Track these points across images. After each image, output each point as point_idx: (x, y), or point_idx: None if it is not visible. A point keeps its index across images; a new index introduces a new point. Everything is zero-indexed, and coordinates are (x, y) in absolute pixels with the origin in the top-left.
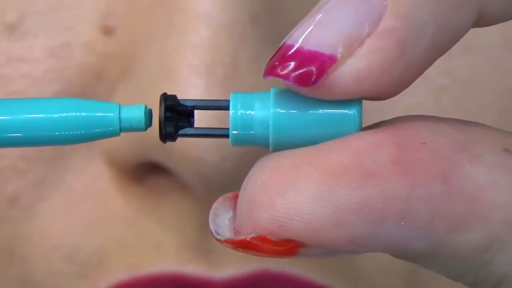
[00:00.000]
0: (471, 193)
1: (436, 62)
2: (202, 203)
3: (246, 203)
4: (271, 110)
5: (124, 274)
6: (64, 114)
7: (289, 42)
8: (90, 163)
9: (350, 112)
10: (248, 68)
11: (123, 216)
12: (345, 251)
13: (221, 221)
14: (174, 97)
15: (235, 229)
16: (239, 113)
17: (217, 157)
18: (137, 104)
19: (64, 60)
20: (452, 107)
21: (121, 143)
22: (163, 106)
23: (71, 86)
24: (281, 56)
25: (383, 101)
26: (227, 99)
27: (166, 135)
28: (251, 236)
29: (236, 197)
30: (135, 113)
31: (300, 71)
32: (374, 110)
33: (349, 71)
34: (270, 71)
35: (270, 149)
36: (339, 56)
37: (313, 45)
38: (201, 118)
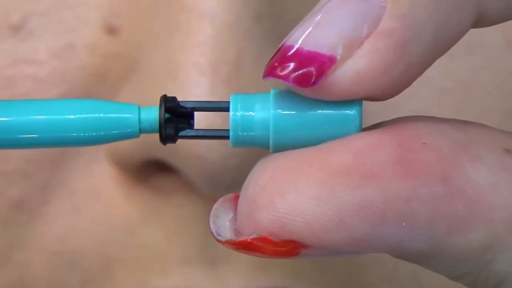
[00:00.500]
0: (471, 194)
1: (439, 64)
2: (207, 205)
3: (247, 204)
4: (271, 111)
5: None
6: (84, 115)
7: (288, 43)
8: (94, 165)
9: (350, 112)
10: (252, 67)
11: (126, 222)
12: (346, 252)
13: (222, 222)
14: (174, 98)
15: (236, 230)
16: (239, 115)
17: (222, 155)
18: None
19: (68, 61)
20: (455, 109)
21: (126, 142)
22: (163, 108)
23: (75, 87)
24: (281, 57)
25: (387, 103)
26: (227, 100)
27: (166, 137)
28: (252, 237)
29: (236, 198)
30: (155, 115)
31: (300, 72)
32: (377, 112)
33: (349, 72)
34: (270, 72)
35: (270, 150)
36: (338, 57)
37: (312, 46)
38: (201, 120)
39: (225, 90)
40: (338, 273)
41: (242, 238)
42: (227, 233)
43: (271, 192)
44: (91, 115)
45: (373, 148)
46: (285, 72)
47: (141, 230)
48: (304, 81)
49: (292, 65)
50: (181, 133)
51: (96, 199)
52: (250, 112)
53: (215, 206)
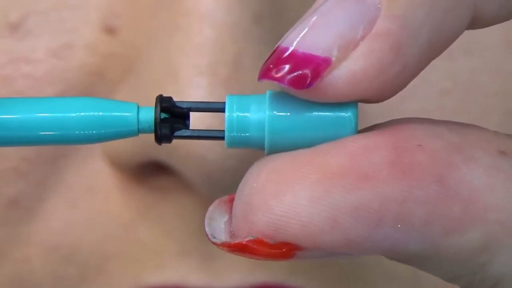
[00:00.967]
0: (466, 195)
1: (439, 65)
2: (204, 204)
3: (242, 206)
4: (267, 112)
5: (125, 283)
6: (83, 114)
7: (283, 44)
8: (91, 162)
9: (346, 114)
10: (251, 68)
11: (123, 218)
12: (341, 253)
13: (217, 224)
14: (169, 99)
15: (231, 232)
16: (234, 115)
17: (220, 155)
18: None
19: (66, 61)
20: (455, 111)
21: (123, 142)
22: (158, 108)
23: (73, 86)
24: (276, 58)
25: (386, 104)
26: (223, 101)
27: (162, 137)
28: (247, 239)
29: (231, 200)
30: (151, 114)
31: (295, 74)
32: (377, 114)
33: (344, 74)
34: (265, 74)
35: (266, 151)
36: (333, 59)
37: (307, 48)
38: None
39: (224, 91)
40: (336, 268)
41: (237, 241)
42: (222, 236)
43: (266, 194)
44: (90, 113)
45: (369, 150)
46: (280, 74)
47: (137, 226)
48: (299, 83)
49: (287, 67)
50: (177, 133)
51: (92, 195)
52: (246, 113)
53: (210, 208)
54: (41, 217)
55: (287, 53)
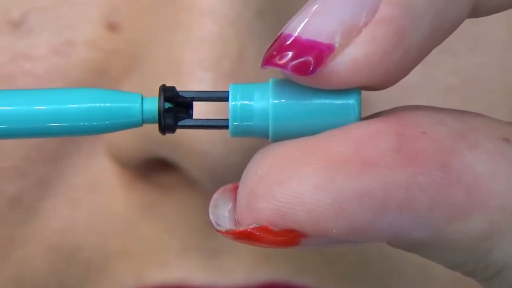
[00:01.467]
0: (470, 182)
1: (443, 61)
2: (207, 201)
3: (247, 194)
4: (270, 100)
5: (128, 281)
6: (88, 105)
7: (286, 32)
8: (93, 160)
9: (349, 101)
10: (254, 62)
11: (126, 215)
12: (346, 240)
13: (221, 212)
14: (173, 88)
15: (235, 220)
16: (238, 104)
17: (224, 151)
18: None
19: (68, 58)
20: (459, 106)
21: (127, 138)
22: (162, 98)
23: (74, 83)
24: (279, 46)
25: (391, 100)
26: (226, 90)
27: (166, 127)
28: (252, 226)
29: (236, 189)
30: (155, 104)
31: (298, 60)
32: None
33: (347, 60)
34: (268, 61)
35: (270, 139)
36: (336, 45)
37: (310, 35)
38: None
39: (227, 85)
40: (343, 266)
41: (242, 228)
42: (226, 223)
43: (271, 181)
44: (95, 105)
45: (373, 137)
46: (283, 61)
47: (140, 223)
48: (302, 69)
49: (290, 53)
50: (180, 123)
51: (95, 193)
52: (249, 102)
53: (215, 196)
54: (43, 216)
55: (290, 40)
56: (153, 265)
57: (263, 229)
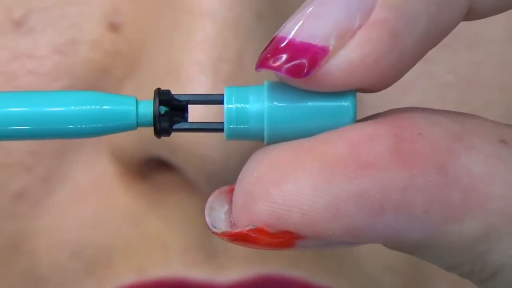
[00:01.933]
0: (467, 183)
1: (441, 58)
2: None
3: (243, 196)
4: (266, 103)
5: (130, 277)
6: (82, 107)
7: (281, 34)
8: (96, 158)
9: (344, 104)
10: (253, 65)
11: (129, 213)
12: (342, 242)
13: (217, 214)
14: (168, 92)
15: (231, 222)
16: (233, 107)
17: (222, 154)
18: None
19: (70, 57)
20: (457, 104)
21: (127, 139)
22: (157, 101)
23: (77, 82)
24: (273, 48)
25: (388, 97)
26: (221, 93)
27: (161, 130)
28: (248, 228)
29: (231, 191)
30: (150, 108)
31: (292, 63)
32: (378, 107)
33: (341, 62)
34: (262, 63)
35: (265, 142)
36: (331, 47)
37: (305, 37)
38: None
39: None
40: (336, 259)
41: (238, 230)
42: (222, 226)
43: (267, 183)
44: (89, 107)
45: (369, 139)
46: (278, 63)
47: (142, 221)
48: (297, 72)
49: (284, 56)
50: (175, 126)
51: (98, 191)
52: (244, 105)
53: (210, 199)
54: (47, 212)
55: (284, 43)
56: (154, 261)
57: (259, 230)
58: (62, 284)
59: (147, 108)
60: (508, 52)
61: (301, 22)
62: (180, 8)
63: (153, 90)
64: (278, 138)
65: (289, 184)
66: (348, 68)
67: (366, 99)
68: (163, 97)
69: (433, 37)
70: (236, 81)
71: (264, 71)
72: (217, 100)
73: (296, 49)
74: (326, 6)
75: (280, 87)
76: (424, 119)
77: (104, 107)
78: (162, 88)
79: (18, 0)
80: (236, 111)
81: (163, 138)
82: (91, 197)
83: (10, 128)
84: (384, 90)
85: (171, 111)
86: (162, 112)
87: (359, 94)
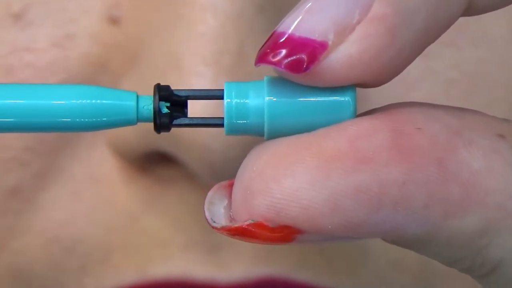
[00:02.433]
0: (466, 178)
1: (445, 55)
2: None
3: (242, 190)
4: (266, 98)
5: (129, 276)
6: (83, 101)
7: (280, 29)
8: (94, 152)
9: (344, 99)
10: (254, 57)
11: (127, 208)
12: (341, 237)
13: (217, 209)
14: (167, 87)
15: (230, 216)
16: (233, 102)
17: (223, 145)
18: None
19: (69, 50)
20: (460, 101)
21: (127, 132)
22: (157, 97)
23: (75, 76)
24: (273, 43)
25: (392, 94)
26: (221, 88)
27: (161, 126)
28: (247, 222)
29: (231, 185)
30: (150, 103)
31: (292, 58)
32: (382, 103)
33: (340, 58)
34: (262, 58)
35: (265, 137)
36: (330, 42)
37: (304, 32)
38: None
39: (228, 80)
40: (342, 261)
41: (237, 224)
42: (222, 220)
43: (266, 177)
44: (90, 101)
45: (368, 133)
46: (277, 58)
47: (142, 216)
48: (296, 67)
49: (284, 51)
50: (175, 122)
51: (96, 185)
52: (244, 100)
53: (210, 193)
54: (42, 207)
55: (283, 38)
56: (154, 259)
57: (259, 225)
58: (58, 282)
59: (147, 104)
60: (511, 49)
61: (300, 17)
62: (180, 1)
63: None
64: (278, 133)
65: (288, 179)
66: (347, 63)
67: (371, 95)
68: (162, 92)
69: (432, 32)
70: (237, 73)
71: (267, 68)
72: (217, 95)
73: (295, 44)
74: (325, 1)
75: (280, 82)
76: (423, 114)
77: (105, 101)
78: (163, 81)
79: None
80: (236, 106)
81: None
82: (89, 192)
83: (10, 120)
84: (388, 87)
85: (171, 106)
86: (164, 109)
87: (363, 91)
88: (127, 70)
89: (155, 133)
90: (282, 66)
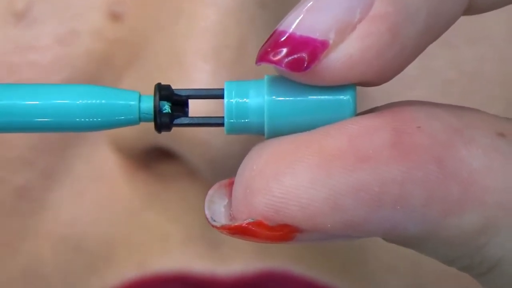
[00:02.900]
0: (465, 176)
1: (443, 54)
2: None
3: (242, 189)
4: (266, 97)
5: (131, 271)
6: (86, 101)
7: (281, 28)
8: (97, 150)
9: (344, 97)
10: (255, 53)
11: (130, 205)
12: (341, 236)
13: (217, 207)
14: (168, 87)
15: (230, 215)
16: (233, 102)
17: (224, 141)
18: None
19: (72, 47)
20: (458, 99)
21: (128, 128)
22: (157, 96)
23: (79, 73)
24: (274, 42)
25: (391, 92)
26: (221, 87)
27: (161, 125)
28: (247, 221)
29: (231, 184)
30: (152, 103)
31: (292, 57)
32: (381, 102)
33: (341, 56)
34: (262, 57)
35: (265, 136)
36: (331, 41)
37: (305, 31)
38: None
39: (228, 76)
40: (340, 256)
41: (237, 223)
42: (222, 219)
43: (266, 176)
44: (93, 101)
45: (368, 132)
46: (278, 57)
47: (144, 213)
48: (297, 66)
49: (285, 50)
50: (176, 121)
51: (98, 183)
52: (245, 99)
53: (210, 192)
54: (49, 207)
55: (284, 37)
56: (155, 254)
57: (258, 224)
58: (67, 282)
59: (149, 103)
60: (510, 47)
61: (301, 16)
62: None
63: (156, 79)
64: (278, 132)
65: (287, 177)
66: (347, 62)
67: (371, 93)
68: (163, 92)
69: (433, 31)
70: (238, 68)
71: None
72: (217, 94)
73: (296, 43)
74: (326, 0)
75: (280, 81)
76: (423, 113)
77: (107, 101)
78: (165, 76)
79: None
80: (236, 105)
81: None
82: (92, 190)
83: (13, 120)
84: (386, 85)
85: (171, 105)
86: (166, 110)
87: (363, 89)
88: (130, 65)
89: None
90: (283, 65)
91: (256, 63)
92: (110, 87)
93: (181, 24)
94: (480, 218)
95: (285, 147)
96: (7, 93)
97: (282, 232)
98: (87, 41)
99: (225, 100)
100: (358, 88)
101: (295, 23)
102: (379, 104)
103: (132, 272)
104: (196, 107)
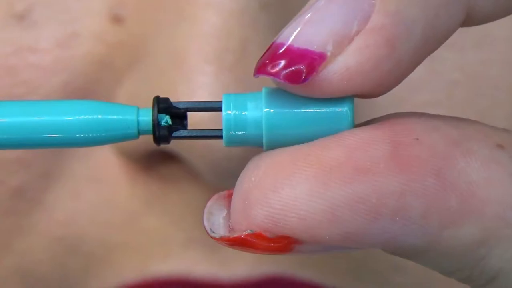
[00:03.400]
0: (464, 188)
1: (448, 57)
2: (210, 193)
3: (241, 201)
4: (264, 109)
5: (130, 274)
6: (84, 117)
7: (279, 40)
8: (96, 152)
9: (342, 110)
10: (257, 55)
11: (130, 207)
12: (339, 247)
13: (216, 219)
14: (167, 99)
15: (229, 227)
16: (232, 114)
17: None
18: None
19: (72, 50)
20: (464, 103)
21: None
22: (156, 109)
23: (79, 76)
24: (272, 54)
25: (396, 96)
26: (219, 100)
27: (160, 138)
28: (246, 233)
29: (230, 196)
30: (150, 116)
31: (290, 69)
32: (387, 106)
33: (339, 69)
34: (260, 69)
35: (264, 148)
36: (328, 54)
37: (302, 43)
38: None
39: (230, 78)
40: (346, 261)
41: (236, 235)
42: (221, 230)
43: (264, 188)
44: (91, 117)
45: (366, 144)
46: (275, 69)
47: (144, 215)
48: (294, 78)
49: (282, 62)
50: (175, 134)
51: (98, 185)
52: (243, 111)
53: (209, 203)
54: (46, 208)
55: (282, 49)
56: (155, 257)
57: (257, 235)
58: (63, 282)
59: (147, 117)
60: None
61: (299, 28)
62: (183, 0)
63: (156, 82)
64: (276, 144)
65: (286, 189)
66: (345, 74)
67: (375, 98)
68: (162, 104)
69: (430, 43)
70: (240, 71)
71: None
72: (215, 107)
73: (294, 55)
74: (323, 13)
75: (278, 94)
76: (421, 124)
77: (106, 116)
78: (167, 79)
79: None
80: (235, 118)
81: None
82: (91, 192)
83: (11, 137)
84: (392, 89)
85: (170, 118)
86: (164, 123)
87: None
88: (130, 68)
89: None
90: (281, 77)
91: (254, 75)
92: (108, 102)
93: (182, 26)
94: (479, 229)
95: (283, 159)
96: (3, 110)
97: (281, 243)
98: (87, 43)
99: (223, 112)
100: None
101: (293, 36)
102: (385, 108)
103: (132, 275)
104: (194, 116)
